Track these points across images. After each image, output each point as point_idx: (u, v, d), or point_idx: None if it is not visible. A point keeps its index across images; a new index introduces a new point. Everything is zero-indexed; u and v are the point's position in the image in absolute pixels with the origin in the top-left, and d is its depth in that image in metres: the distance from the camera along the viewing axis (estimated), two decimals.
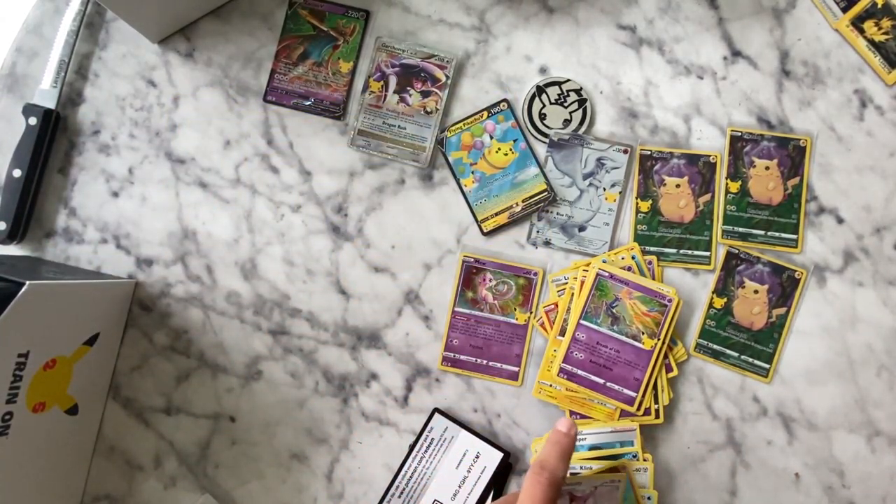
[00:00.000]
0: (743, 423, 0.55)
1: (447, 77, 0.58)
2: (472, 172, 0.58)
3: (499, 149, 0.58)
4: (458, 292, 0.57)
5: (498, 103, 0.58)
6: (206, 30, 0.60)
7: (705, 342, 0.56)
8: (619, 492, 0.50)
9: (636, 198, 0.57)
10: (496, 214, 0.57)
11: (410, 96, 0.58)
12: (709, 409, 0.56)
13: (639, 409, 0.53)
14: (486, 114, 0.58)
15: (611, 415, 0.54)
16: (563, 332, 0.54)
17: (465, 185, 0.58)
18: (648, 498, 0.53)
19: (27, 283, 0.46)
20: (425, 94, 0.58)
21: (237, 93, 0.60)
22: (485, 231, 0.57)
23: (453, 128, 0.58)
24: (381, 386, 0.57)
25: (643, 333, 0.53)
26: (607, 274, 0.54)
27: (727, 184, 0.57)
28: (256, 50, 0.60)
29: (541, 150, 0.58)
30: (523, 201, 0.57)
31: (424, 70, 0.58)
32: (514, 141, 0.58)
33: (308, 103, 0.59)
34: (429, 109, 0.58)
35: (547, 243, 0.57)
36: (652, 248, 0.57)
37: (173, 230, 0.59)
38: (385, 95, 0.58)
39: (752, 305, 0.56)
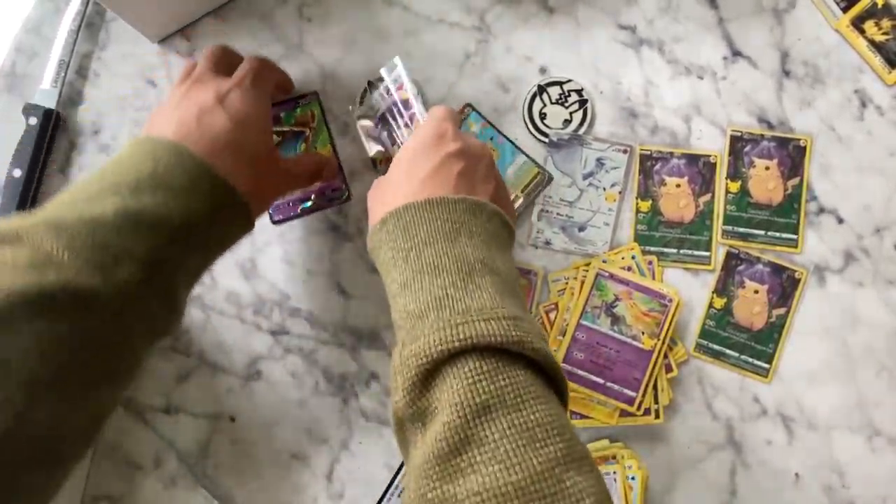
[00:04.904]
0: (743, 423, 0.55)
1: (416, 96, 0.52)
2: None
3: None
4: None
5: (461, 110, 0.57)
6: (206, 30, 0.60)
7: (705, 342, 0.56)
8: (620, 484, 0.49)
9: (636, 198, 0.57)
10: None
11: (404, 133, 0.53)
12: (709, 409, 0.56)
13: (639, 409, 0.53)
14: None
15: (611, 415, 0.54)
16: (563, 332, 0.54)
17: None
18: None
19: None
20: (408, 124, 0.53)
21: None
22: None
23: None
24: (382, 386, 0.57)
25: (643, 333, 0.53)
26: (607, 274, 0.54)
27: (727, 184, 0.57)
28: (256, 50, 0.60)
29: (525, 141, 0.58)
30: (522, 192, 0.57)
31: (395, 104, 0.53)
32: (491, 139, 0.57)
33: (309, 205, 0.58)
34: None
35: (547, 244, 0.57)
36: (652, 248, 0.57)
37: None
38: (392, 150, 0.54)
39: (752, 305, 0.56)
